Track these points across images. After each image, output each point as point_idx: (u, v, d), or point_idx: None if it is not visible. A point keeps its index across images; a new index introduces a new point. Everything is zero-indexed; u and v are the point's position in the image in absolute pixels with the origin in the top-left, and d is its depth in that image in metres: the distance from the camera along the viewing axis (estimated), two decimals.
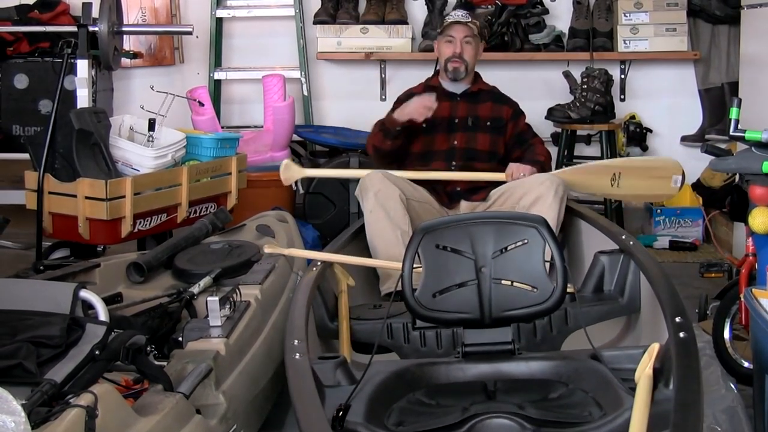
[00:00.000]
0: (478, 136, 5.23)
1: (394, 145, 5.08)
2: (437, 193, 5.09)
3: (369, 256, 4.76)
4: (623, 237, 4.19)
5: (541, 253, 3.20)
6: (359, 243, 4.83)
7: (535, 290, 3.20)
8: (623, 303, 4.05)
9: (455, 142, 5.20)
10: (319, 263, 4.09)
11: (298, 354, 3.03)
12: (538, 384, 3.04)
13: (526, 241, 3.21)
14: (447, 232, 3.23)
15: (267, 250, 4.29)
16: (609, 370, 2.98)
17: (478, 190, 5.10)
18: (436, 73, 5.49)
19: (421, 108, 5.00)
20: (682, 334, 2.92)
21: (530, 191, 4.83)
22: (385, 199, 4.73)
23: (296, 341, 3.14)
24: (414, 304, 3.20)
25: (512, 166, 5.05)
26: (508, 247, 3.21)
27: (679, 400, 2.54)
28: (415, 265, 3.22)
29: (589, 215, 4.88)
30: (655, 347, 2.82)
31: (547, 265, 3.27)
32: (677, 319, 3.04)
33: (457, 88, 5.32)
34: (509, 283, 3.19)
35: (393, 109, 5.26)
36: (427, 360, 3.34)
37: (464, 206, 5.10)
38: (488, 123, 5.26)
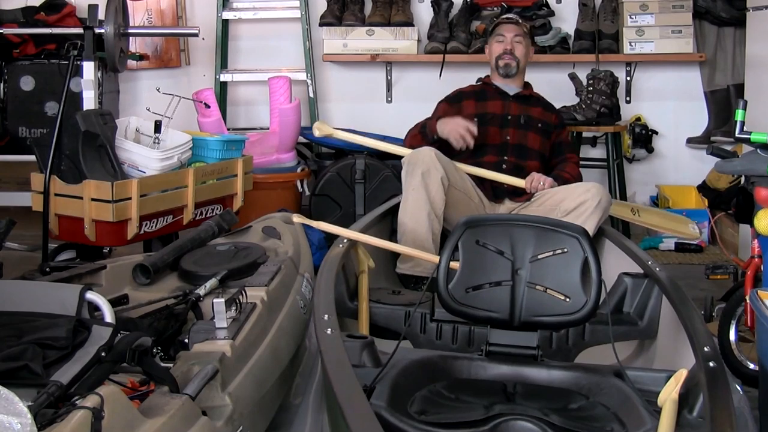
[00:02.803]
0: (530, 134, 5.28)
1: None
2: (484, 186, 5.12)
3: (392, 239, 4.81)
4: (649, 262, 4.17)
5: (578, 264, 3.19)
6: (383, 226, 4.86)
7: (567, 300, 3.19)
8: (641, 327, 4.03)
9: (507, 137, 5.24)
10: (345, 241, 4.13)
11: (330, 329, 3.06)
12: (557, 393, 3.03)
13: (566, 249, 3.20)
14: (489, 230, 3.24)
15: (296, 220, 4.41)
16: (633, 389, 2.98)
17: (525, 191, 5.11)
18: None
19: (458, 133, 5.04)
20: (711, 364, 2.91)
21: (573, 197, 4.85)
22: (430, 182, 4.75)
23: (326, 316, 3.18)
24: (446, 296, 3.21)
25: (533, 176, 5.06)
26: (547, 254, 3.21)
27: (714, 428, 2.53)
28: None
29: (614, 235, 4.88)
30: (683, 373, 2.82)
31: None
32: (706, 349, 3.02)
33: (510, 89, 5.38)
34: (543, 289, 3.19)
35: (436, 109, 5.37)
36: (450, 354, 3.36)
37: (507, 204, 5.14)
38: (539, 125, 5.32)
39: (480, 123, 5.23)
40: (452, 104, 5.37)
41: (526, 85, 5.47)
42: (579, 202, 4.80)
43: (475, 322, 3.64)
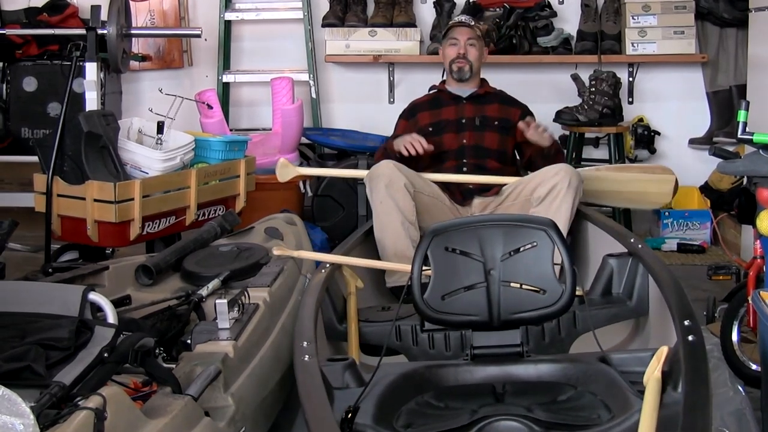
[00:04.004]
0: (486, 134, 5.26)
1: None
2: (450, 190, 5.11)
3: (378, 256, 4.77)
4: (632, 240, 4.18)
5: (550, 256, 3.18)
6: (368, 245, 4.84)
7: (543, 293, 3.18)
8: (631, 306, 4.04)
9: (464, 141, 5.23)
10: (328, 265, 4.11)
11: (307, 356, 3.04)
12: (546, 386, 3.03)
13: (535, 243, 3.19)
14: (456, 235, 3.22)
15: (276, 252, 4.31)
16: (618, 373, 2.97)
17: (491, 186, 5.10)
18: (443, 81, 5.53)
19: (408, 142, 5.04)
20: (690, 338, 2.91)
21: (544, 182, 4.82)
22: (394, 191, 4.75)
23: (305, 343, 3.15)
24: (423, 306, 3.19)
25: (528, 122, 5.09)
26: (518, 250, 3.20)
27: (688, 403, 2.54)
28: (424, 267, 3.22)
29: (596, 217, 4.88)
30: (663, 350, 2.81)
31: (557, 267, 3.26)
32: (686, 323, 3.03)
33: (464, 92, 5.37)
34: (518, 285, 3.18)
35: (396, 126, 5.41)
36: (436, 362, 3.34)
37: (477, 203, 5.10)
38: (496, 122, 5.29)
39: (435, 132, 5.25)
40: (409, 119, 5.41)
41: (482, 83, 5.46)
42: (550, 186, 4.78)
43: (456, 328, 3.62)
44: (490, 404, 2.92)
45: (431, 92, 5.54)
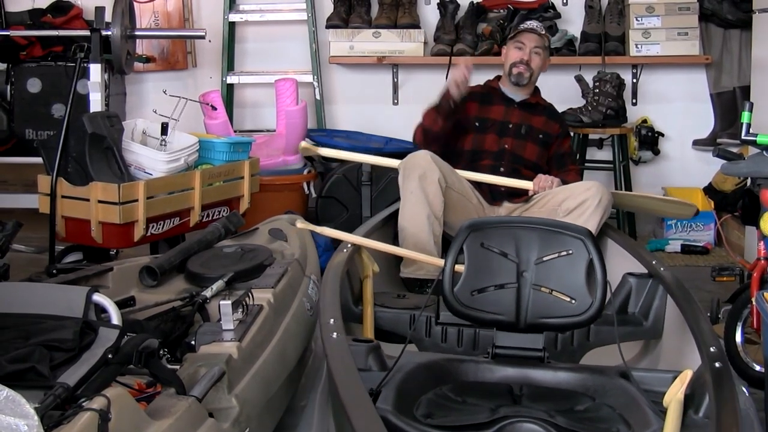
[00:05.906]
0: (528, 145, 5.25)
1: (444, 127, 5.10)
2: (482, 189, 5.11)
3: (395, 243, 4.82)
4: (654, 262, 4.17)
5: (583, 265, 3.19)
6: (386, 231, 4.87)
7: (573, 301, 3.19)
8: (646, 327, 4.03)
9: (505, 146, 5.22)
10: (349, 246, 4.14)
11: (335, 333, 3.08)
12: (564, 394, 3.03)
13: (570, 251, 3.20)
14: (493, 233, 3.24)
15: (299, 225, 4.42)
16: (638, 390, 2.98)
17: (522, 193, 5.11)
18: (498, 77, 5.50)
19: (453, 80, 5.04)
20: (717, 364, 2.91)
21: (574, 196, 4.84)
22: (427, 184, 4.76)
23: (332, 320, 3.20)
24: (452, 299, 3.21)
25: (540, 177, 5.05)
26: (552, 256, 3.21)
27: (719, 428, 2.54)
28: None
29: (617, 235, 4.88)
30: (687, 373, 2.83)
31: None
32: (712, 349, 3.03)
33: (516, 96, 5.36)
34: (548, 291, 3.19)
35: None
36: (456, 356, 3.36)
37: (506, 206, 5.12)
38: (540, 135, 5.29)
39: (479, 129, 5.25)
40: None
41: (535, 92, 5.43)
42: (580, 201, 4.79)
43: (481, 325, 3.63)
44: (509, 405, 2.92)
45: (483, 85, 5.51)
